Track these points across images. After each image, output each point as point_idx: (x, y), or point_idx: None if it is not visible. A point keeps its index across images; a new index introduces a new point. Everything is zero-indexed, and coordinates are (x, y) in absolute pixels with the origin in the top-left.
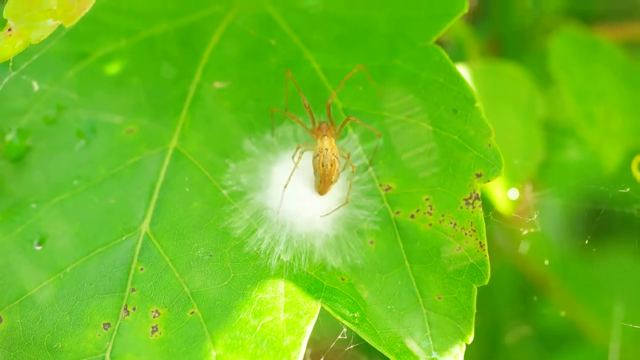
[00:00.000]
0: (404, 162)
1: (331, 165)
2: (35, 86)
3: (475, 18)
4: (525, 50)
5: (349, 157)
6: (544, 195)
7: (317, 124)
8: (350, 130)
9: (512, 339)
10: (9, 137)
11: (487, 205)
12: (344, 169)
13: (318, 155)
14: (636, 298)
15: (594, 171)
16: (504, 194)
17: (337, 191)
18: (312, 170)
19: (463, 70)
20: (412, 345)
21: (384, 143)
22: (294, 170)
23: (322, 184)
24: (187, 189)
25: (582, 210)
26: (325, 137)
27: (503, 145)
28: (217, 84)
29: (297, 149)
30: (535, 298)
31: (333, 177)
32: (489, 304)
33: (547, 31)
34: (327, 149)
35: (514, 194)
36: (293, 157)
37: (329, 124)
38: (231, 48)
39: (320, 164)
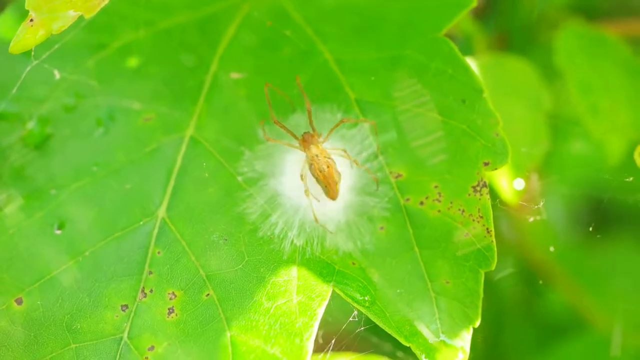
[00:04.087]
0: (414, 150)
1: (327, 167)
2: (57, 74)
3: (483, 14)
4: (531, 45)
5: (349, 153)
6: (549, 183)
7: (300, 137)
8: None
9: (516, 324)
10: (30, 125)
11: (494, 194)
12: (351, 164)
13: (312, 164)
14: (638, 286)
15: (599, 162)
16: (510, 184)
17: (349, 194)
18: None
19: (471, 63)
20: (421, 327)
21: (395, 132)
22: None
23: (329, 188)
24: (204, 175)
25: (587, 198)
26: (312, 145)
27: (510, 135)
28: (234, 75)
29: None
30: (540, 282)
31: (335, 177)
32: (495, 289)
33: (553, 26)
34: (317, 155)
35: (519, 184)
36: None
37: (312, 132)
38: (247, 38)
39: (318, 171)
